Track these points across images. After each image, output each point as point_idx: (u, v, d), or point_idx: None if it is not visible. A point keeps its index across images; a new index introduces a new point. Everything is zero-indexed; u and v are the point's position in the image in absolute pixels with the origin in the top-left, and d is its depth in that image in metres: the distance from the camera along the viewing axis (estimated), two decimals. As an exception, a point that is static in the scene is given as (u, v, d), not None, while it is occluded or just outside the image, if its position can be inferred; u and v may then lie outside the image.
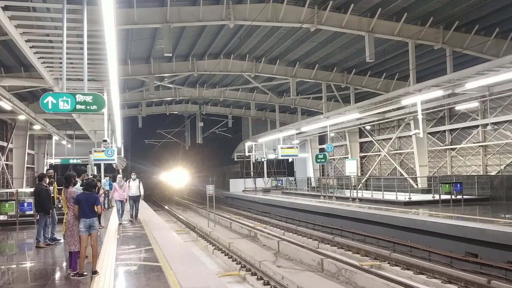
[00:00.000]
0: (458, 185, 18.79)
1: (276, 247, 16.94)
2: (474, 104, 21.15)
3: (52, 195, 11.19)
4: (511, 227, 11.64)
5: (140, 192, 16.00)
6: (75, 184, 8.98)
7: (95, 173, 22.34)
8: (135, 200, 16.06)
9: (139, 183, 16.00)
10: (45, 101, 8.67)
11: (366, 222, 17.11)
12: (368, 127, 31.15)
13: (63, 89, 9.55)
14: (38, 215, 11.15)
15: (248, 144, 38.95)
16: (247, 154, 39.31)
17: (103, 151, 19.60)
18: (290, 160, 41.01)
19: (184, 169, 60.08)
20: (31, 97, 24.97)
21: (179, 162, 58.47)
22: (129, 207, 17.02)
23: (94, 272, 7.77)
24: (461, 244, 12.44)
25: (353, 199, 22.67)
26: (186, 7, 16.74)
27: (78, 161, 33.50)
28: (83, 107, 8.83)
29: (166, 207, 40.78)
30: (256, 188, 39.25)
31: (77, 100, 8.79)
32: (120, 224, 15.14)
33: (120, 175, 16.14)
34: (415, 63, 18.45)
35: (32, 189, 15.94)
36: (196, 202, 43.71)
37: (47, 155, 36.12)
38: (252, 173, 41.67)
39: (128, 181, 16.28)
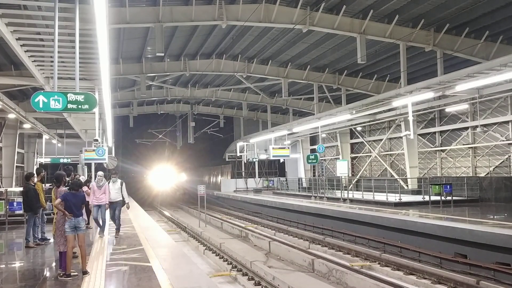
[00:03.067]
0: (448, 186, 18.89)
1: (267, 247, 16.96)
2: (464, 106, 21.33)
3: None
4: (499, 228, 11.75)
5: (122, 196, 12.76)
6: (65, 183, 8.93)
7: (86, 172, 22.21)
8: (115, 207, 12.71)
9: (121, 185, 12.80)
10: (36, 100, 8.59)
11: (356, 222, 17.18)
12: (359, 128, 31.30)
13: (55, 88, 9.48)
14: (27, 215, 11.07)
15: (239, 144, 38.95)
16: (238, 154, 39.30)
17: (94, 150, 19.44)
18: (281, 160, 41.06)
19: (176, 169, 59.88)
20: (21, 96, 24.77)
21: (170, 162, 58.23)
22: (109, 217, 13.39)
23: (85, 272, 7.73)
24: (451, 245, 12.54)
25: (344, 200, 22.75)
26: (179, 6, 16.73)
27: (69, 160, 33.25)
28: (74, 106, 8.76)
29: (157, 207, 40.66)
30: (247, 188, 39.26)
31: (68, 99, 8.72)
32: (101, 237, 12.10)
33: (100, 173, 12.96)
34: (406, 65, 18.62)
35: (21, 189, 15.75)
36: (187, 202, 43.63)
37: (37, 154, 35.81)
38: (243, 173, 41.67)
39: (108, 182, 12.99)
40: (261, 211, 27.21)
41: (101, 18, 8.20)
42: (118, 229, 12.84)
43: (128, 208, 13.48)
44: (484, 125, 21.11)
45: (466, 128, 22.83)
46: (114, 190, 12.64)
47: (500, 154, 20.94)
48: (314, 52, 22.70)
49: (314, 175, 37.41)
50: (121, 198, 12.73)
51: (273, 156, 30.27)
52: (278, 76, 25.47)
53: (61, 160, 33.69)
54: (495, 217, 15.16)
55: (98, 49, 10.15)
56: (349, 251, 15.12)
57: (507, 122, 20.52)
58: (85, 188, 10.15)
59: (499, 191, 19.70)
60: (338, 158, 32.53)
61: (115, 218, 12.82)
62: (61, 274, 7.67)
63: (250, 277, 12.43)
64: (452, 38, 18.08)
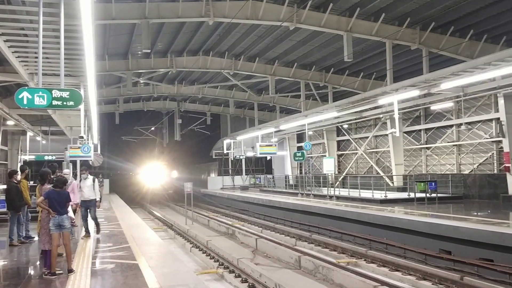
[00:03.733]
0: (433, 183, 19.12)
1: (254, 244, 16.97)
2: (449, 104, 21.58)
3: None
4: (483, 225, 11.93)
5: (95, 195, 11.79)
6: (50, 181, 8.82)
7: (71, 170, 21.94)
8: (88, 206, 11.82)
9: (93, 182, 11.75)
10: (20, 96, 8.46)
11: (343, 219, 17.30)
12: (345, 126, 31.43)
13: (39, 84, 9.34)
14: (10, 213, 10.93)
15: (226, 141, 38.87)
16: (225, 151, 39.24)
17: (79, 147, 19.23)
18: (268, 158, 41.10)
19: (163, 166, 59.61)
20: (4, 92, 24.36)
21: (157, 159, 57.92)
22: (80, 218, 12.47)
23: (70, 271, 7.67)
24: (435, 242, 12.70)
25: (330, 197, 22.88)
26: (165, 3, 16.62)
27: (53, 157, 32.84)
28: (59, 103, 8.65)
29: (144, 205, 40.41)
30: (234, 185, 39.21)
31: (53, 96, 8.61)
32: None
33: (66, 170, 11.77)
34: (392, 63, 18.74)
35: (4, 186, 15.49)
36: (174, 200, 43.44)
37: (21, 151, 35.30)
38: (230, 171, 41.62)
39: (79, 180, 12.14)
40: (248, 208, 27.24)
41: (87, 14, 8.11)
42: (98, 228, 12.32)
43: (98, 207, 12.24)
44: (469, 123, 21.35)
45: (451, 126, 23.09)
46: (86, 187, 11.70)
47: (483, 151, 21.23)
48: (301, 49, 22.74)
49: (300, 173, 37.53)
50: (94, 197, 11.82)
51: (260, 154, 30.29)
52: (265, 73, 25.48)
53: (46, 158, 33.26)
54: (479, 213, 15.38)
55: (83, 45, 10.02)
56: (335, 248, 15.20)
57: (490, 120, 20.79)
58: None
59: (482, 188, 20.00)
60: (325, 156, 32.67)
61: (92, 219, 12.05)
62: (46, 273, 7.59)
63: (237, 274, 12.43)
64: (437, 37, 18.27)
